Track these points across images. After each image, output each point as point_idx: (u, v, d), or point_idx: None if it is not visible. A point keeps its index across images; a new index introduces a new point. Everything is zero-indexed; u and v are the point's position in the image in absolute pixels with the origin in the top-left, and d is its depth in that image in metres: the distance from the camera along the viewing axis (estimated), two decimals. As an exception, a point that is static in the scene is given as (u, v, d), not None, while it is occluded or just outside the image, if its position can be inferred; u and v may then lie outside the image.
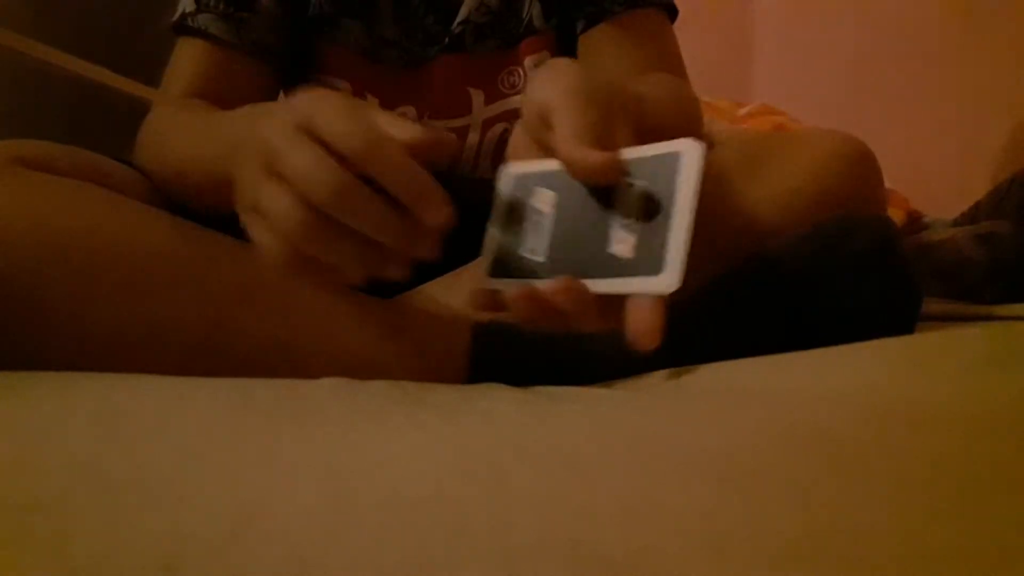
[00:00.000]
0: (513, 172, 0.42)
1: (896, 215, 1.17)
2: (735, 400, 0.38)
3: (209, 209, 0.50)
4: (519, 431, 0.32)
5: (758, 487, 0.24)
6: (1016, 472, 0.25)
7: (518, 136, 0.43)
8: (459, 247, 0.44)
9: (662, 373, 0.46)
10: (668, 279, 0.34)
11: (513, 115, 0.66)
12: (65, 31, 1.02)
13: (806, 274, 0.46)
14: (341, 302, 0.51)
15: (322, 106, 0.37)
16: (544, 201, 0.40)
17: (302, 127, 0.37)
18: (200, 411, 0.35)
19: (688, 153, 0.35)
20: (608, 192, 0.37)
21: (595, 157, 0.36)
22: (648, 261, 0.35)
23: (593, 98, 0.38)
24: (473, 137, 0.67)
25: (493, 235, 0.42)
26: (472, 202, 0.42)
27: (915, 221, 1.18)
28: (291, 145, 0.36)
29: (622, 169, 0.36)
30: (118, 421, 0.33)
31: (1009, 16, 1.34)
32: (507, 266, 0.41)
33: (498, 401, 0.39)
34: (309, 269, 0.38)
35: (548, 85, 0.39)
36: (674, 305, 0.49)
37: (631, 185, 0.36)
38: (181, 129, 0.56)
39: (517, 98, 0.67)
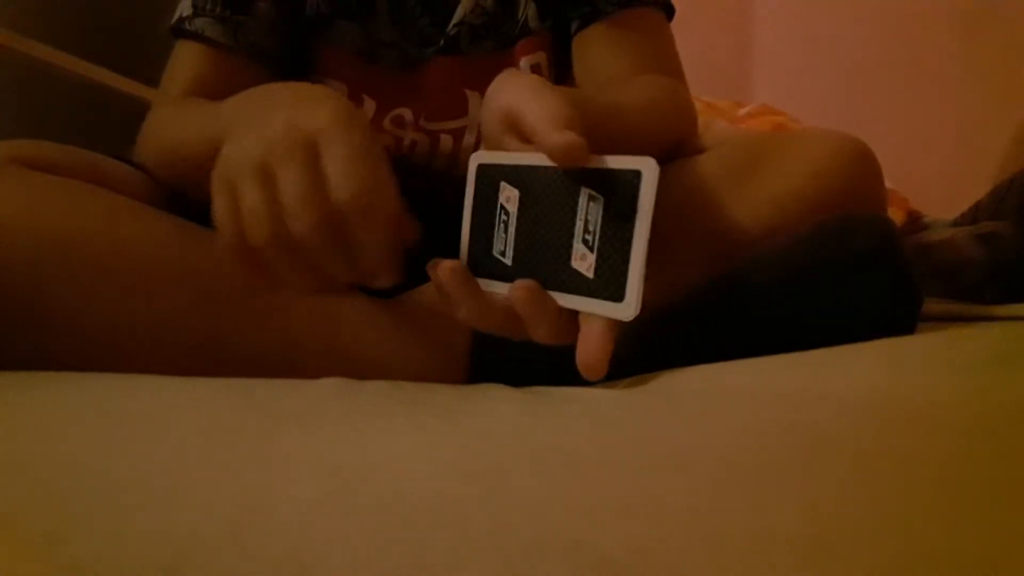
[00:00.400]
0: (482, 162, 0.42)
1: (896, 215, 1.17)
2: (735, 400, 0.38)
3: (200, 189, 0.50)
4: (519, 431, 0.32)
5: (758, 487, 0.24)
6: (1017, 472, 0.25)
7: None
8: (458, 246, 0.44)
9: (662, 373, 0.46)
10: (628, 308, 0.35)
11: None
12: (65, 31, 1.02)
13: (806, 275, 0.46)
14: (341, 302, 0.51)
15: (340, 134, 0.37)
16: (510, 199, 0.40)
17: (311, 145, 0.37)
18: (200, 411, 0.35)
19: (647, 173, 0.34)
20: (570, 198, 0.37)
21: (571, 136, 0.35)
22: (609, 286, 0.36)
23: (559, 91, 0.39)
24: (470, 139, 0.67)
25: (466, 229, 0.42)
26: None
27: (915, 221, 1.18)
28: (294, 163, 0.37)
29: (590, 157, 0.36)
30: (118, 421, 0.33)
31: (1009, 16, 1.34)
32: (479, 264, 0.41)
33: (498, 401, 0.39)
34: (253, 266, 0.39)
35: (508, 87, 0.40)
36: (673, 305, 0.50)
37: (592, 196, 0.36)
38: (179, 117, 0.57)
39: None
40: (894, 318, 0.46)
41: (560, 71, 0.69)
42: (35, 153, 0.51)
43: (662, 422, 0.34)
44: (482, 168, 0.41)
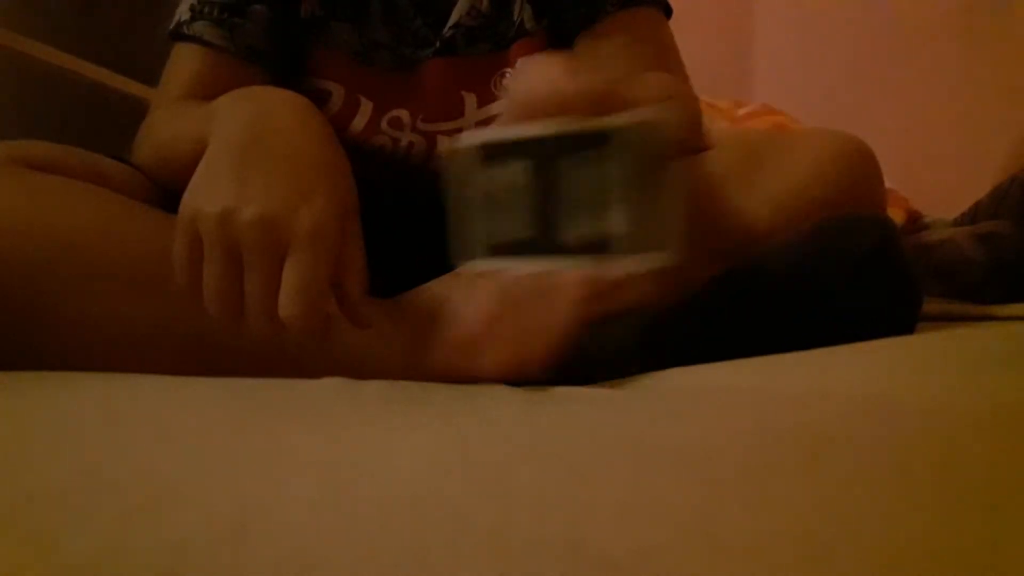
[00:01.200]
0: (471, 143, 0.38)
1: (896, 215, 1.17)
2: (735, 400, 0.38)
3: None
4: (519, 431, 0.32)
5: (758, 487, 0.24)
6: (1017, 472, 0.25)
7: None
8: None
9: (662, 373, 0.46)
10: (671, 254, 0.34)
11: None
12: (65, 31, 1.02)
13: (806, 274, 0.46)
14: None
15: (309, 254, 0.39)
16: (519, 172, 0.37)
17: (283, 246, 0.39)
18: (200, 411, 0.35)
19: (663, 120, 0.34)
20: (583, 160, 0.35)
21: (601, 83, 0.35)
22: (648, 236, 0.34)
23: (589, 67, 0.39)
24: None
25: (465, 215, 0.39)
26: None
27: (915, 221, 1.18)
28: (260, 270, 0.39)
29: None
30: (118, 421, 0.33)
31: (1009, 16, 1.34)
32: (497, 245, 0.39)
33: (498, 401, 0.39)
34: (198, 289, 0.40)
35: (537, 67, 0.39)
36: (675, 305, 0.50)
37: (612, 155, 0.35)
38: (174, 118, 0.58)
39: None
40: (894, 318, 0.46)
41: None
42: (35, 153, 0.51)
43: (662, 422, 0.34)
44: (473, 149, 0.38)
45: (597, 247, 0.35)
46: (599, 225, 0.35)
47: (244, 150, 0.42)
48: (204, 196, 0.40)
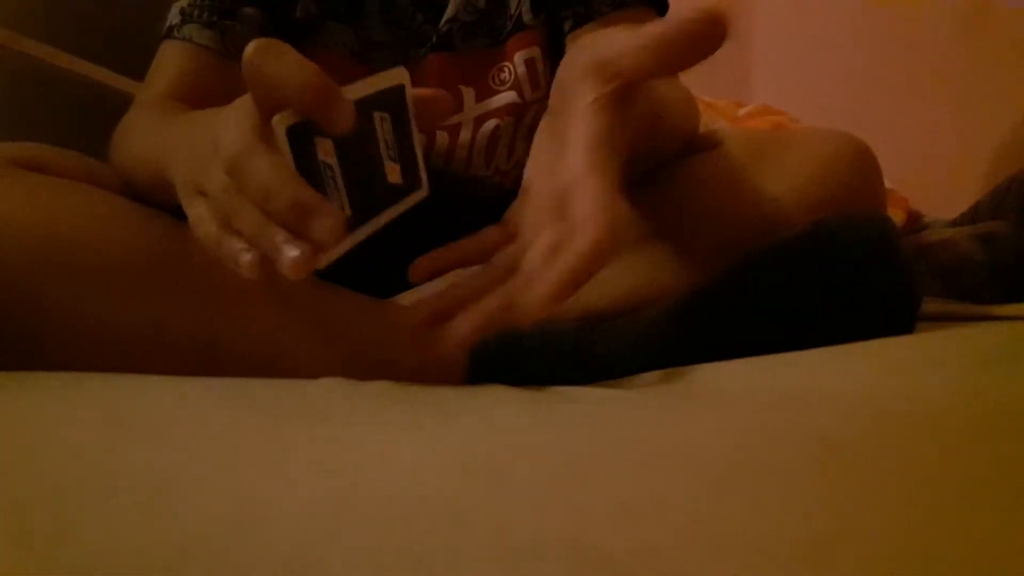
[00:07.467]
0: (288, 124, 0.37)
1: (896, 215, 1.17)
2: (735, 400, 0.38)
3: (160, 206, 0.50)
4: (519, 431, 0.32)
5: (758, 487, 0.24)
6: (1017, 472, 0.25)
7: (543, 127, 0.44)
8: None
9: (662, 373, 0.46)
10: (424, 190, 0.43)
11: (505, 111, 0.66)
12: (65, 31, 1.02)
13: (805, 274, 0.46)
14: (340, 302, 0.51)
15: (248, 164, 0.35)
16: (327, 151, 0.38)
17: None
18: (200, 411, 0.35)
19: (406, 82, 0.41)
20: (369, 125, 0.39)
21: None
22: (412, 181, 0.42)
23: None
24: (465, 135, 0.67)
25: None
26: (466, 200, 0.42)
27: (915, 221, 1.18)
28: (253, 165, 0.35)
29: None
30: (118, 421, 0.33)
31: (1009, 16, 1.34)
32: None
33: (498, 401, 0.39)
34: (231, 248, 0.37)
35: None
36: (675, 305, 0.50)
37: (381, 117, 0.40)
38: (141, 130, 0.56)
39: (508, 94, 0.67)
40: (892, 317, 0.46)
41: (554, 66, 0.69)
42: (32, 155, 0.51)
43: (662, 422, 0.34)
44: (291, 131, 0.37)
45: (389, 199, 0.41)
46: (387, 182, 0.41)
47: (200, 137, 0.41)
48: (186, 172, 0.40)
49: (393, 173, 0.41)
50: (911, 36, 1.52)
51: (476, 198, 0.44)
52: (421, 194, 0.43)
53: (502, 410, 0.36)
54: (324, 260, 0.35)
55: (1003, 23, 1.35)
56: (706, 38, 0.36)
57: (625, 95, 0.39)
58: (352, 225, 0.38)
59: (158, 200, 0.49)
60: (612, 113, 0.38)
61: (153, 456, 0.28)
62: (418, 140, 0.43)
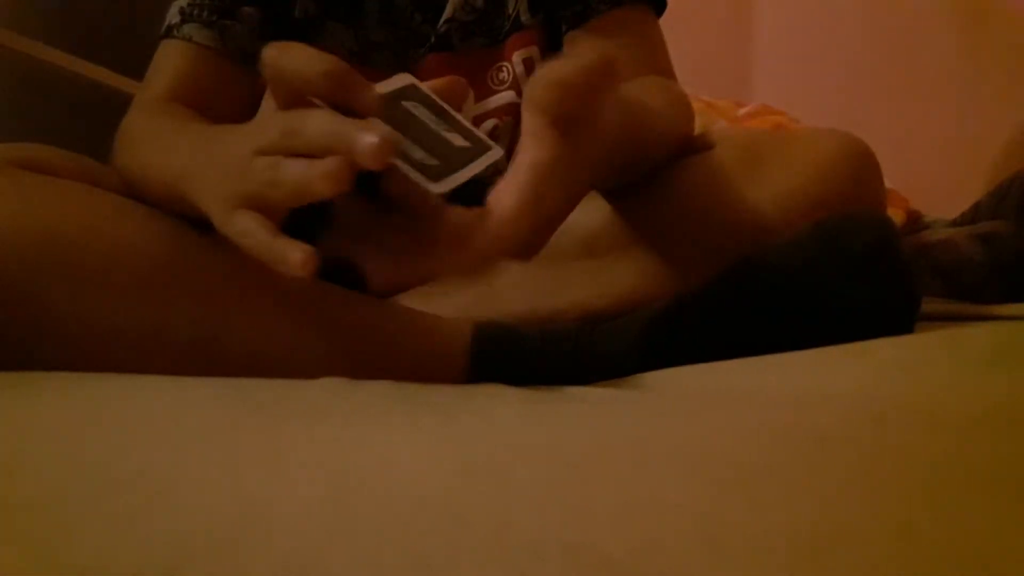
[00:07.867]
0: (383, 92, 0.42)
1: (896, 215, 1.17)
2: (734, 400, 0.38)
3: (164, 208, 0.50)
4: (519, 431, 0.32)
5: (758, 487, 0.24)
6: (1016, 472, 0.25)
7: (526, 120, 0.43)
8: None
9: (662, 373, 0.46)
10: (497, 151, 0.43)
11: (503, 111, 0.66)
12: (66, 31, 1.02)
13: (805, 273, 0.46)
14: (340, 302, 0.51)
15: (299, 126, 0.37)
16: (414, 112, 0.43)
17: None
18: (200, 411, 0.35)
19: (415, 80, 0.44)
20: (408, 116, 0.42)
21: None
22: (479, 144, 0.43)
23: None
24: None
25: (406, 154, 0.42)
26: (465, 198, 0.42)
27: (915, 221, 1.18)
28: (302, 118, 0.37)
29: None
30: (119, 421, 0.33)
31: (1009, 17, 1.34)
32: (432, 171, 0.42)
33: (498, 401, 0.39)
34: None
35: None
36: (674, 304, 0.50)
37: (415, 107, 0.43)
38: (149, 137, 0.56)
39: (506, 94, 0.67)
40: (892, 317, 0.46)
41: None
42: (32, 156, 0.51)
43: (662, 422, 0.34)
44: (385, 97, 0.42)
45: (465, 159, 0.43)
46: (454, 146, 0.43)
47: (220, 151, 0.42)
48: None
49: (457, 140, 0.43)
50: (911, 36, 1.52)
51: (474, 197, 0.43)
52: (496, 153, 0.43)
53: (502, 410, 0.36)
54: (437, 191, 0.39)
55: (1003, 24, 1.35)
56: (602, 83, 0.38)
57: (571, 122, 0.39)
58: (442, 173, 0.40)
59: (168, 210, 0.49)
60: (553, 144, 0.38)
61: (153, 456, 0.28)
62: (462, 116, 0.44)
